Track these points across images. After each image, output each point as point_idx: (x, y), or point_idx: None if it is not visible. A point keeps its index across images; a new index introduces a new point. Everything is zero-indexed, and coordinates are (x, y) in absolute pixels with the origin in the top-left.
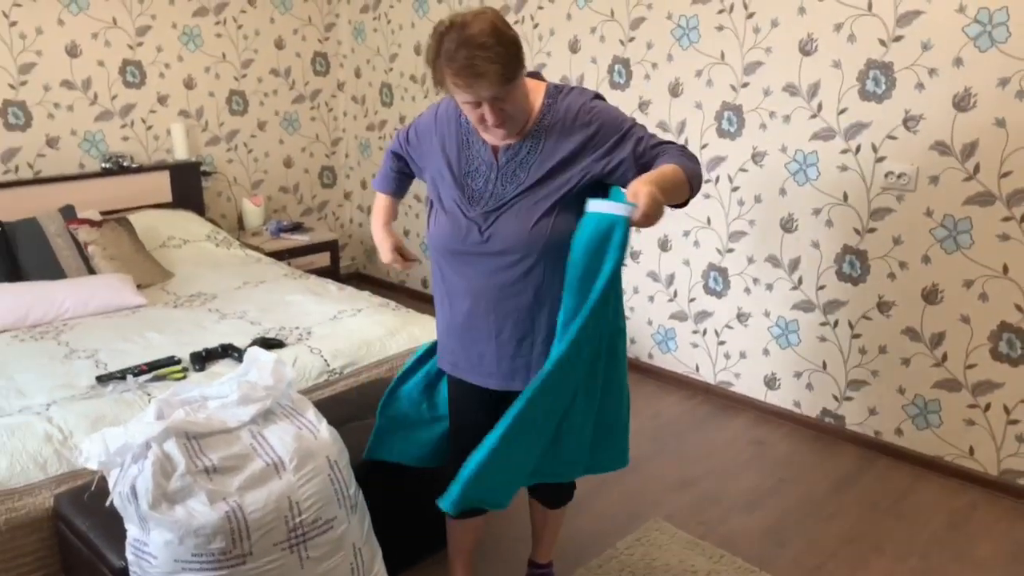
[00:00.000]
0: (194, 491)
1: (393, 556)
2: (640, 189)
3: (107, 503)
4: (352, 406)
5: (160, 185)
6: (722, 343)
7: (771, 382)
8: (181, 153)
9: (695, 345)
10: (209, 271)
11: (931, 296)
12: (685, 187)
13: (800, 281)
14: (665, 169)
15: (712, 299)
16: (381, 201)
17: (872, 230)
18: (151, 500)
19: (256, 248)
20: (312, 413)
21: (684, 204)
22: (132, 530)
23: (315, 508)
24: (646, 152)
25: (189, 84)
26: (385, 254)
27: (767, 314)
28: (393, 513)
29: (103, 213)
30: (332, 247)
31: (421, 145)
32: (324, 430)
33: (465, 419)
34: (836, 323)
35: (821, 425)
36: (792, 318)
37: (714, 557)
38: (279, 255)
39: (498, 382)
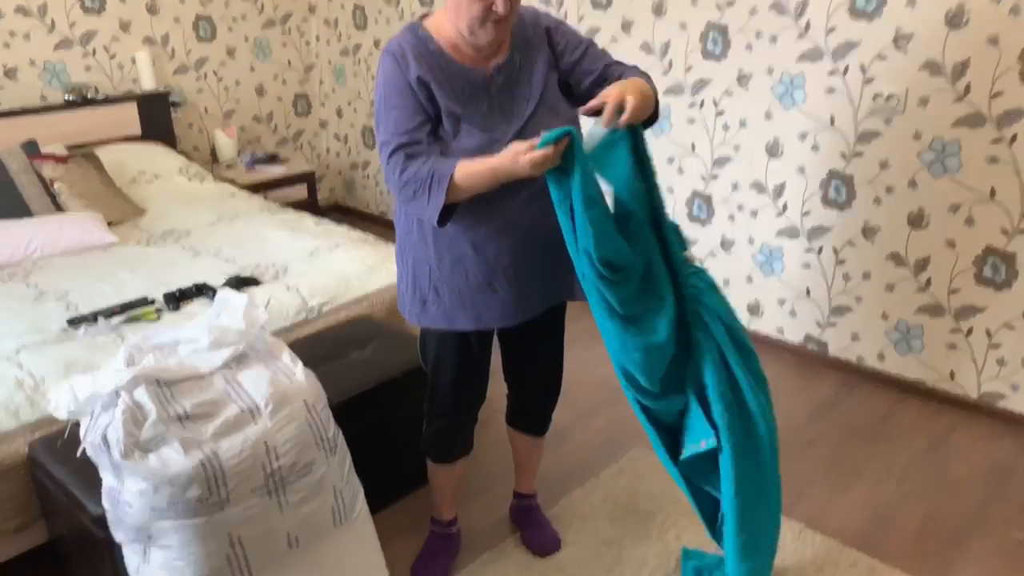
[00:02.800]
0: (167, 439)
1: (376, 493)
2: (613, 88)
3: (78, 453)
4: (331, 344)
5: (127, 117)
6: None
7: (754, 309)
8: (148, 83)
9: None
10: (182, 207)
11: (917, 221)
12: (651, 100)
13: (785, 207)
14: (634, 79)
15: (696, 227)
16: (469, 166)
17: (859, 154)
18: (123, 449)
19: (230, 181)
20: (287, 356)
21: (649, 124)
22: (107, 478)
23: (293, 452)
24: (602, 57)
25: (152, 9)
26: (533, 152)
27: (751, 241)
28: (375, 451)
29: (69, 148)
30: (309, 179)
31: (419, 94)
32: (300, 373)
33: (470, 369)
34: (820, 250)
35: (804, 351)
36: (776, 245)
37: None
38: (254, 188)
39: (543, 304)
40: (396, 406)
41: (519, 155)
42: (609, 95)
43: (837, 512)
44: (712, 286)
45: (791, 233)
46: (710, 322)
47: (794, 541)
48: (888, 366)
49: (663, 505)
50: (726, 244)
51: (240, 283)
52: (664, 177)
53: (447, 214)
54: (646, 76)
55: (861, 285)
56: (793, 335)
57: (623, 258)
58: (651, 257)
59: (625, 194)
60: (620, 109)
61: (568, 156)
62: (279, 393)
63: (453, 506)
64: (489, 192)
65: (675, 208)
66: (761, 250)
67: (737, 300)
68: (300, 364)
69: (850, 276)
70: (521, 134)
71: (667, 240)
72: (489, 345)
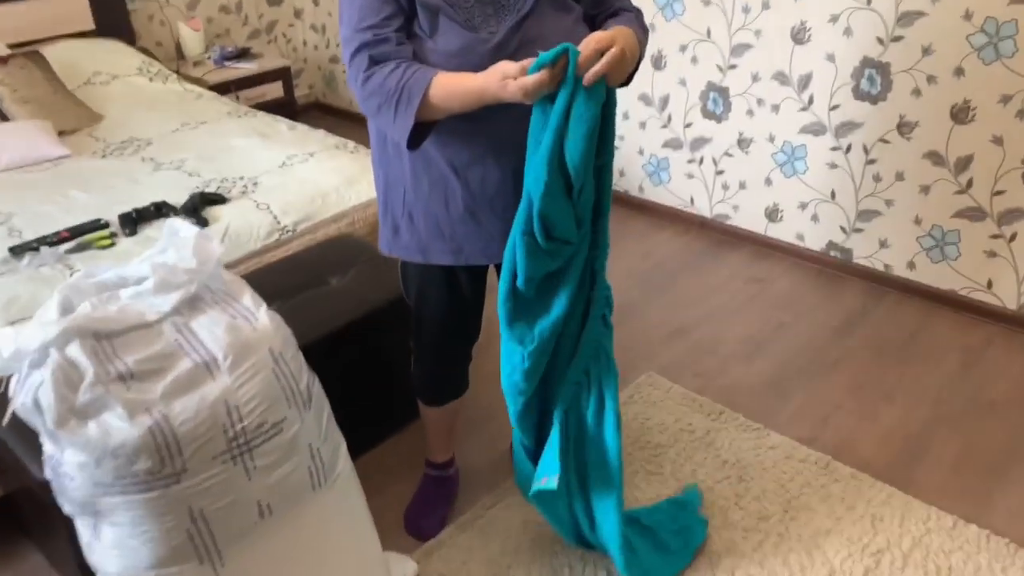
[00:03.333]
0: (108, 403)
1: (363, 433)
2: (604, 34)
3: (3, 421)
4: (307, 270)
5: (78, 9)
6: (720, 173)
7: (773, 214)
8: None
9: (690, 176)
10: (143, 112)
11: (961, 114)
12: (634, 61)
13: (811, 101)
14: (623, 27)
15: (711, 123)
16: (449, 82)
17: (898, 39)
18: (56, 417)
19: (198, 80)
20: (249, 297)
21: (626, 83)
22: (46, 445)
23: (259, 411)
24: None
25: None
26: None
27: (771, 139)
28: (360, 389)
29: (10, 46)
30: (284, 75)
31: None
32: (264, 316)
33: (459, 308)
34: (849, 148)
35: (826, 259)
36: (800, 143)
37: (712, 414)
38: (225, 88)
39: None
40: (382, 337)
41: (508, 80)
42: (594, 39)
43: (866, 441)
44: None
45: (816, 130)
46: (604, 349)
47: (820, 474)
48: (919, 275)
49: (677, 437)
50: (743, 142)
51: (204, 201)
52: (676, 68)
53: (419, 135)
54: (642, 25)
55: (893, 187)
56: (814, 242)
57: (565, 230)
58: (580, 247)
59: (579, 165)
60: (599, 54)
61: (564, 81)
62: (240, 342)
63: (449, 447)
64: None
65: (688, 102)
66: (783, 148)
67: (754, 204)
68: (264, 306)
69: (881, 177)
70: (518, 33)
71: (599, 236)
72: (482, 281)
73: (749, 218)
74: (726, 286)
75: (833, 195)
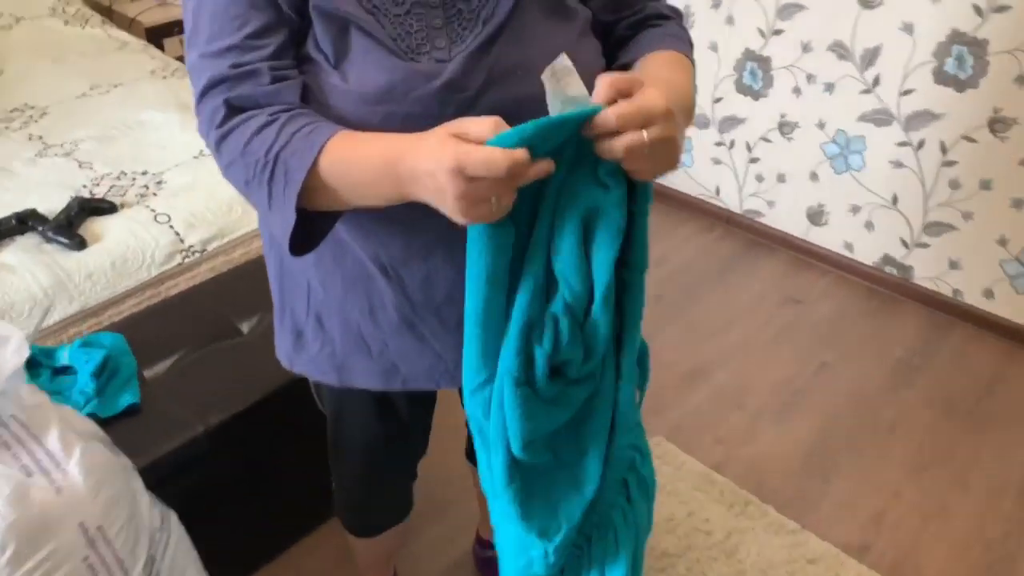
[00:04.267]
0: None
1: (272, 537)
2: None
3: None
4: (212, 309)
5: None
6: (755, 160)
7: (816, 216)
8: None
9: (717, 161)
10: (47, 67)
11: None
12: (687, 125)
13: (876, 82)
14: (671, 65)
15: (746, 101)
16: (355, 146)
17: (1002, 8)
18: None
19: (131, 22)
20: (57, 437)
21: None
22: None
23: None
24: None
25: None
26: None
27: (821, 126)
28: (271, 482)
29: None
30: None
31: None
32: (75, 471)
33: (394, 438)
34: (922, 143)
35: (879, 276)
36: (858, 133)
37: (736, 505)
38: (165, 31)
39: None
40: (309, 405)
41: (460, 150)
42: (623, 83)
43: (934, 551)
44: (649, 454)
45: (881, 118)
46: (637, 501)
47: None
48: (999, 307)
49: (690, 541)
50: (786, 127)
51: (86, 210)
52: (706, 29)
53: (312, 233)
54: (687, 41)
55: (975, 197)
56: (867, 254)
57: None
58: (602, 385)
59: (584, 283)
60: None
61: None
62: (30, 519)
63: (388, 572)
64: None
65: (719, 72)
66: (835, 139)
67: (794, 201)
68: (78, 451)
69: (960, 183)
70: (486, 59)
71: (621, 368)
72: (430, 400)
73: (786, 218)
74: (757, 308)
75: (895, 200)
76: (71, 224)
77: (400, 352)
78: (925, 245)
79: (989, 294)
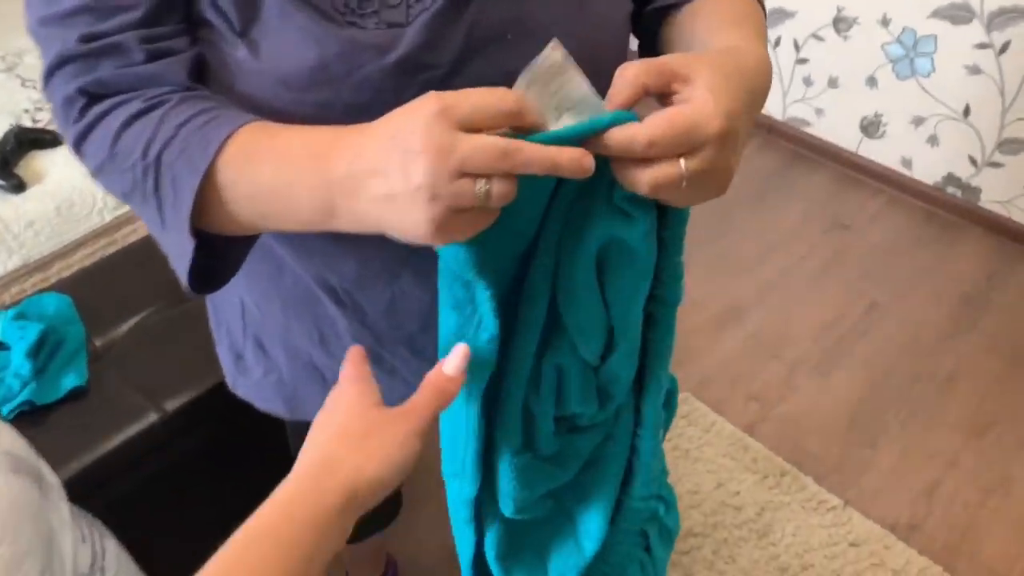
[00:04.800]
0: None
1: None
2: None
3: None
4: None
5: None
6: (802, 62)
7: (872, 127)
8: None
9: None
10: None
11: None
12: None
13: None
14: (735, 21)
15: None
16: (272, 141)
17: None
18: None
19: None
20: None
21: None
22: None
23: None
24: None
25: None
26: None
27: (885, 22)
28: (230, 472)
29: None
30: None
31: None
32: None
33: None
34: (1006, 46)
35: (940, 198)
36: (927, 32)
37: (771, 476)
38: None
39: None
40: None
41: (445, 95)
42: (655, 75)
43: (994, 534)
44: (674, 503)
45: (958, 15)
46: (657, 552)
47: None
48: None
49: (717, 518)
50: (841, 23)
51: (24, 142)
52: None
53: (221, 261)
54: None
55: None
56: (927, 172)
57: (578, 404)
58: (616, 433)
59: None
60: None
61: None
62: None
63: (379, 566)
64: None
65: None
66: (900, 38)
67: (846, 109)
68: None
69: None
70: (462, 18)
71: (643, 415)
72: None
73: (837, 128)
74: (798, 236)
75: (967, 111)
76: (7, 162)
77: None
78: (998, 164)
79: None
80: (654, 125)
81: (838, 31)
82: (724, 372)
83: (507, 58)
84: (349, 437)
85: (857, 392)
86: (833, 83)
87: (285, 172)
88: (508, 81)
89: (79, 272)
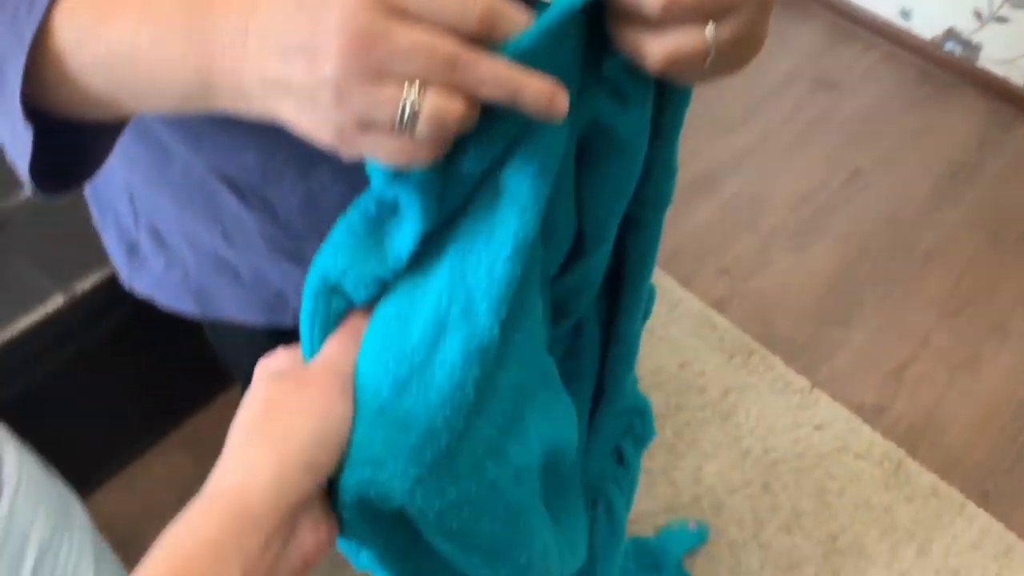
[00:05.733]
0: None
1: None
2: None
3: None
4: None
5: None
6: None
7: None
8: None
9: None
10: None
11: None
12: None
13: None
14: None
15: None
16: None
17: None
18: None
19: None
20: None
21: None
22: None
23: None
24: None
25: None
26: None
27: None
28: (123, 385)
29: None
30: None
31: None
32: None
33: None
34: None
35: (937, 55)
36: None
37: (738, 355)
38: None
39: None
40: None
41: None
42: None
43: (959, 415)
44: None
45: None
46: (632, 458)
47: (885, 484)
48: None
49: (680, 399)
50: None
51: None
52: None
53: (63, 160)
54: None
55: None
56: (927, 25)
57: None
58: (584, 347)
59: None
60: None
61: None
62: None
63: None
64: None
65: None
66: None
67: None
68: None
69: None
70: None
71: (623, 333)
72: None
73: None
74: (782, 94)
75: None
76: None
77: (285, 278)
78: (1003, 20)
79: None
80: None
81: None
82: (694, 244)
83: None
84: (255, 422)
85: (832, 266)
86: None
87: (148, 27)
88: None
89: None
